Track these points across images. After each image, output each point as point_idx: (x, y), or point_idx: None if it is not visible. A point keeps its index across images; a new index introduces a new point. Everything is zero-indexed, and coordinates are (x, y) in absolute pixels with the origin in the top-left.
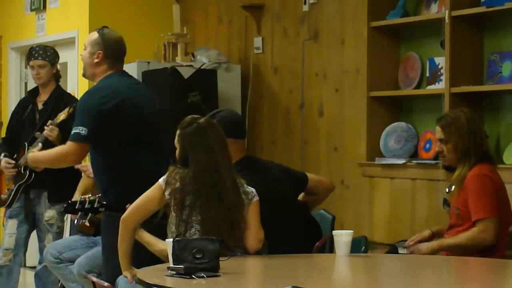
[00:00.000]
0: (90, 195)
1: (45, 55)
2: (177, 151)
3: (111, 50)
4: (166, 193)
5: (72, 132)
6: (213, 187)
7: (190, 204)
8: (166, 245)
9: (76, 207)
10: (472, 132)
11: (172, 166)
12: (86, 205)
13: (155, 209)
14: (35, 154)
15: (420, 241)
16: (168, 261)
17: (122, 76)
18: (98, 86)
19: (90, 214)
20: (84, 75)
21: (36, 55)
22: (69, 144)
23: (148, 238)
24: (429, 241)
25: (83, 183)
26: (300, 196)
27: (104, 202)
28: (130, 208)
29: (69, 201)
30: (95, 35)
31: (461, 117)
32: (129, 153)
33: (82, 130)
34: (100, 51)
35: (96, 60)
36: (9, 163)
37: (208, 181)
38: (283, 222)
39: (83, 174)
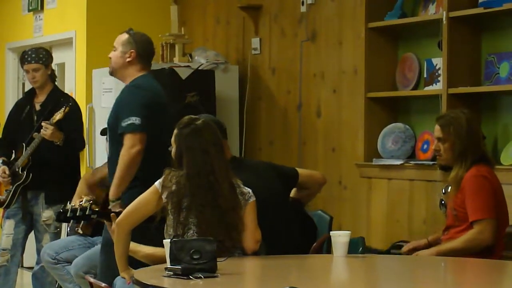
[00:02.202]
0: (84, 200)
1: (38, 58)
2: (172, 151)
3: (143, 49)
4: (163, 196)
5: (124, 124)
6: (209, 189)
7: (187, 206)
8: (151, 250)
9: (68, 215)
10: (470, 134)
11: (167, 169)
12: (78, 213)
13: (151, 212)
14: (112, 185)
15: (416, 249)
16: (153, 265)
17: (154, 79)
18: (137, 82)
19: (82, 221)
20: (111, 74)
21: (29, 59)
22: (126, 137)
23: (131, 247)
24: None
25: (81, 188)
26: (293, 192)
27: (97, 209)
28: (126, 211)
29: (61, 210)
30: (125, 35)
31: (461, 118)
32: (149, 153)
33: (136, 120)
34: (132, 50)
35: (128, 59)
36: (5, 172)
37: (203, 184)
38: (277, 221)
39: (81, 179)
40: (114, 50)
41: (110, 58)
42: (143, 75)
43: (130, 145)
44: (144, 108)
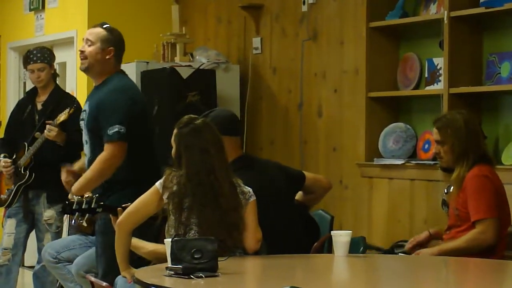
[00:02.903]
0: (87, 194)
1: (43, 58)
2: (172, 150)
3: (121, 48)
4: (164, 196)
5: (110, 132)
6: (209, 189)
7: (188, 207)
8: (154, 246)
9: (74, 207)
10: (469, 133)
11: (168, 169)
12: (84, 206)
13: (152, 213)
14: (78, 182)
15: (418, 244)
16: (157, 262)
17: (129, 78)
18: (123, 86)
19: (87, 214)
20: (85, 70)
21: (34, 58)
22: (111, 145)
23: (134, 243)
24: (427, 243)
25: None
26: (298, 196)
27: (102, 203)
28: (126, 211)
29: (67, 202)
30: (102, 31)
31: (458, 119)
32: (137, 156)
33: (121, 129)
34: (111, 47)
35: (107, 57)
36: (6, 162)
37: (203, 183)
38: (281, 221)
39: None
40: (89, 45)
41: (82, 52)
42: (122, 76)
43: (112, 155)
44: (127, 117)
